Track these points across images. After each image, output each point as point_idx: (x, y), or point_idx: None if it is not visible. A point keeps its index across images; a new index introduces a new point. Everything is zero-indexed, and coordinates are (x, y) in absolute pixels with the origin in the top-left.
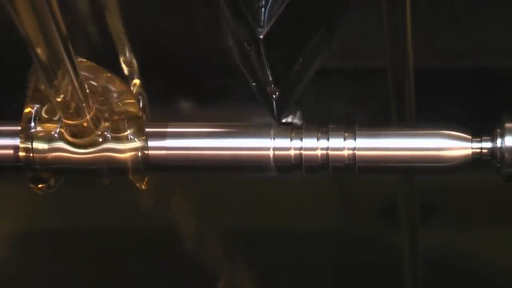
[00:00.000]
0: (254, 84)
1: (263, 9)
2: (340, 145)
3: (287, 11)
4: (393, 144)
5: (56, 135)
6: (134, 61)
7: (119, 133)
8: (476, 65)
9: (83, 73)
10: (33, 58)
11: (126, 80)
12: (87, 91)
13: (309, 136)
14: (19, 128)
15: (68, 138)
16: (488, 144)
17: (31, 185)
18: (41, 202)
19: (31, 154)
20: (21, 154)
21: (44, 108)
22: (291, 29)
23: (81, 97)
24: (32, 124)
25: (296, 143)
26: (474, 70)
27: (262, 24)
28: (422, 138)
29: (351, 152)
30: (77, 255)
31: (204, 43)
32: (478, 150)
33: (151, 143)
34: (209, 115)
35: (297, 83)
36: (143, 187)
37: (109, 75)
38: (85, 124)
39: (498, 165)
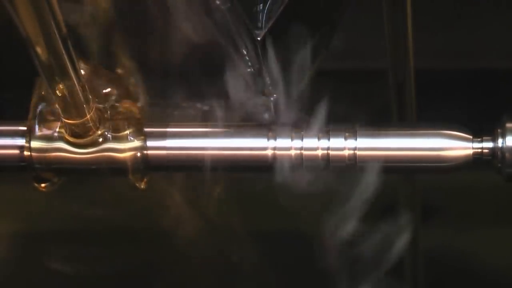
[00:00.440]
0: (254, 84)
1: (261, 12)
2: (341, 145)
3: (285, 12)
4: (394, 144)
5: (56, 135)
6: (134, 61)
7: (119, 133)
8: (476, 66)
9: (83, 73)
10: (33, 58)
11: (126, 80)
12: (87, 91)
13: (310, 136)
14: (19, 128)
15: (68, 138)
16: (489, 144)
17: (35, 184)
18: (41, 202)
19: (31, 154)
20: (21, 154)
21: (45, 108)
22: (289, 30)
23: (81, 97)
24: (32, 124)
25: (297, 143)
26: (475, 71)
27: (260, 25)
28: (423, 138)
29: (352, 152)
30: (77, 255)
31: (204, 43)
32: (479, 150)
33: (151, 143)
34: (208, 115)
35: (295, 84)
36: (142, 187)
37: (109, 75)
38: (85, 124)
39: (499, 165)
